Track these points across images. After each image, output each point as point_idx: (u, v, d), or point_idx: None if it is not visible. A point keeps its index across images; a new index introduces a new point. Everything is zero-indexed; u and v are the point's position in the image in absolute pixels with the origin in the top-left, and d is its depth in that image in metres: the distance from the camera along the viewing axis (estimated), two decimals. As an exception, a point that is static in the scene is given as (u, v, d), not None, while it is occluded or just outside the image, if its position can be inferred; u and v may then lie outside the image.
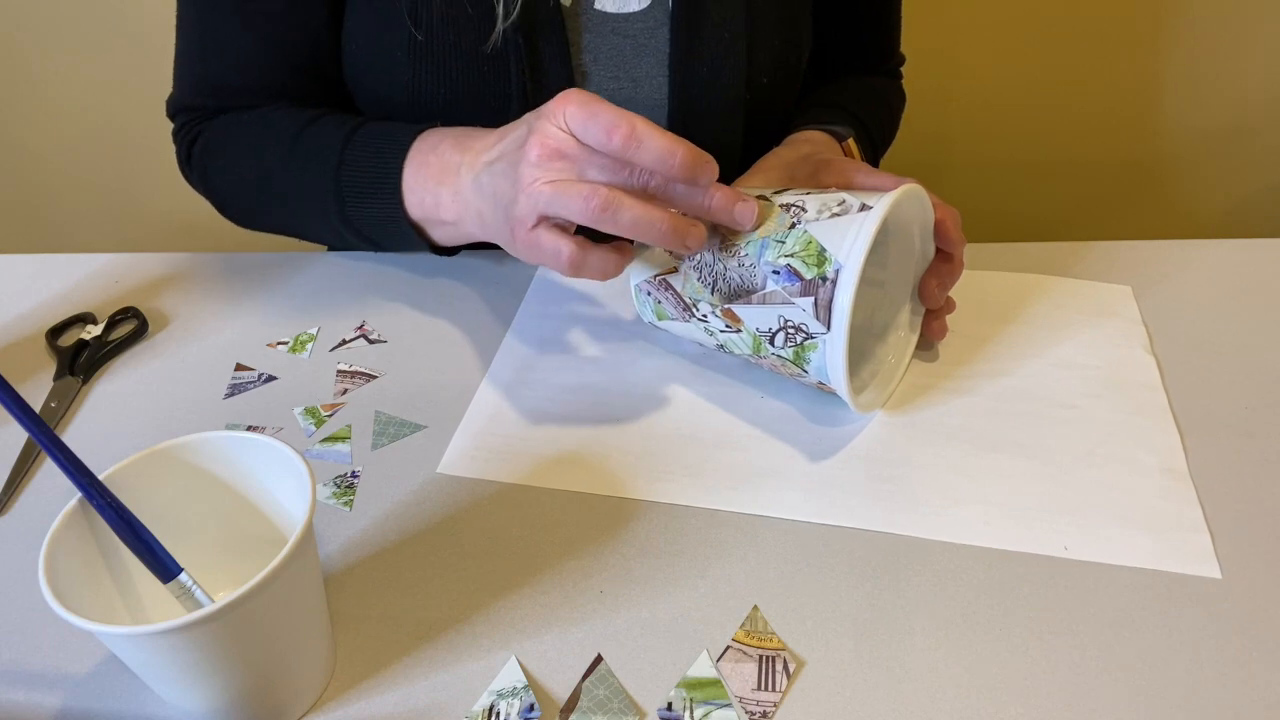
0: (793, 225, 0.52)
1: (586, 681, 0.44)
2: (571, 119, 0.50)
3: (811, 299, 0.50)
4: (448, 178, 0.60)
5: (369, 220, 0.66)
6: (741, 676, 0.44)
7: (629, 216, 0.49)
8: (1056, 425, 0.56)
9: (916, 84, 0.92)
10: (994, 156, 1.46)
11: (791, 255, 0.51)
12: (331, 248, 0.77)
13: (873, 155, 0.79)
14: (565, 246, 0.51)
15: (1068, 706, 0.42)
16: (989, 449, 0.55)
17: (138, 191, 1.60)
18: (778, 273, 0.51)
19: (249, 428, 0.59)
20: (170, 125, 0.77)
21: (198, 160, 0.75)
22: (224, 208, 0.76)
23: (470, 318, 0.67)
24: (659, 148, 0.48)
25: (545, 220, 0.52)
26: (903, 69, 0.90)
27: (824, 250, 0.50)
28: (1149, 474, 0.53)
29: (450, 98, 0.70)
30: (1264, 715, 0.42)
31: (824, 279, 0.50)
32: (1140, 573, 0.48)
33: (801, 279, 0.50)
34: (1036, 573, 0.48)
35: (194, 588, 0.41)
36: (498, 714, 0.43)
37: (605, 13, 0.70)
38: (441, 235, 0.65)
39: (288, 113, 0.71)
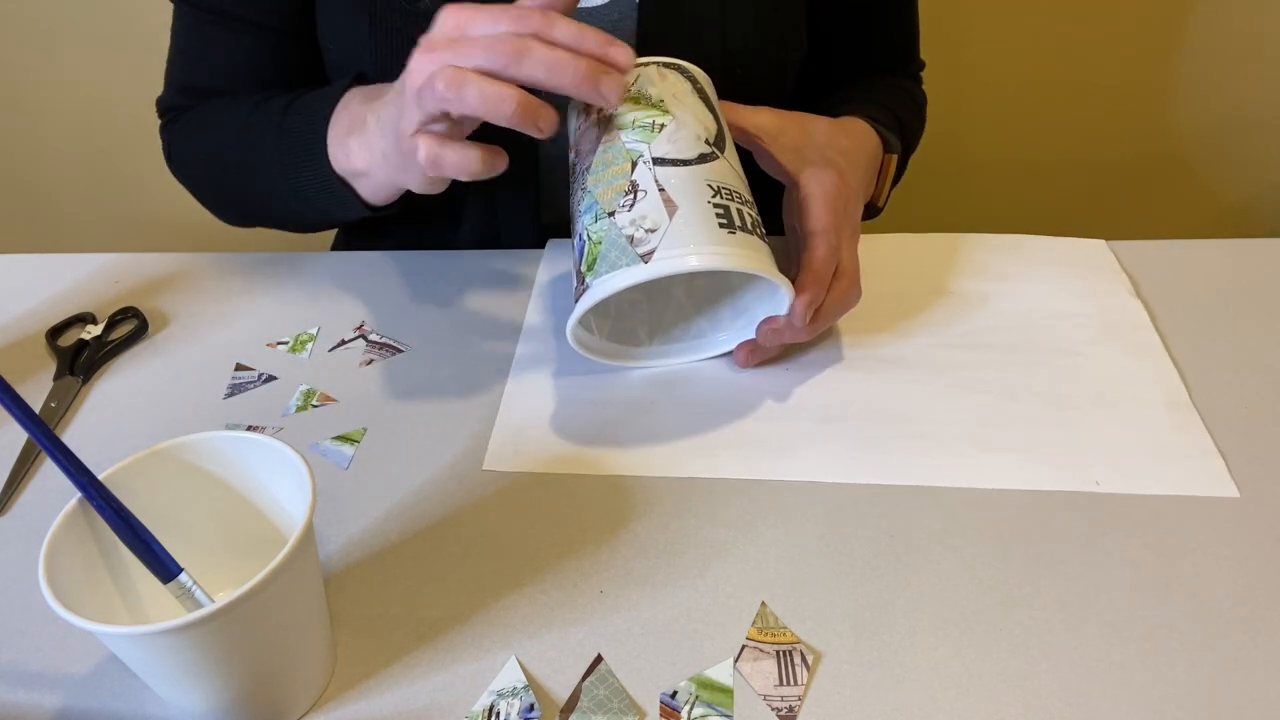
0: (597, 216, 0.52)
1: (586, 681, 0.44)
2: (457, 15, 0.49)
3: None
4: (355, 127, 0.60)
5: (308, 184, 0.64)
6: (763, 674, 0.44)
7: (539, 56, 0.46)
8: (1065, 372, 0.59)
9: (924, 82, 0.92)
10: (1001, 154, 1.45)
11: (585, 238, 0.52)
12: (301, 229, 0.75)
13: (904, 159, 0.77)
14: (422, 145, 0.49)
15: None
16: (1008, 399, 0.58)
17: (138, 191, 1.60)
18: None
19: (249, 428, 0.59)
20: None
21: (176, 152, 0.76)
22: (200, 196, 0.76)
23: (469, 317, 0.67)
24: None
25: (425, 126, 0.49)
26: (922, 74, 0.87)
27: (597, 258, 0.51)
28: (1157, 409, 0.56)
29: None
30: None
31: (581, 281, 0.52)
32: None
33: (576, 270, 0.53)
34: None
35: (194, 588, 0.41)
36: (498, 714, 0.43)
37: None
38: (364, 189, 0.62)
39: (247, 97, 0.70)
